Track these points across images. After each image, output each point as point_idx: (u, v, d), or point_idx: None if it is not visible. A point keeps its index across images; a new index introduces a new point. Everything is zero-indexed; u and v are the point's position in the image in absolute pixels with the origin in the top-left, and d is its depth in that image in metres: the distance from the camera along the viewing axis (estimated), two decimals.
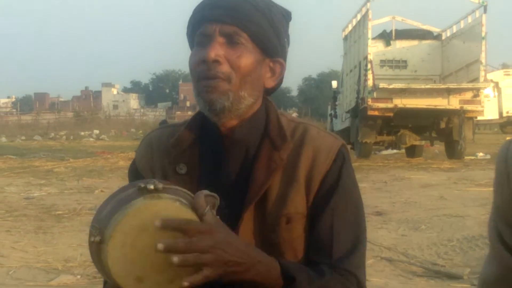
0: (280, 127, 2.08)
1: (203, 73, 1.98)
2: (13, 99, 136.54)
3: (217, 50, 1.96)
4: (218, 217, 1.82)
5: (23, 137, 42.07)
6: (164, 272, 1.72)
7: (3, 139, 39.93)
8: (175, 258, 1.67)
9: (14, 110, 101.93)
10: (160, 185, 1.74)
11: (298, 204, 2.03)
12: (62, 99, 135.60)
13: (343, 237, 2.02)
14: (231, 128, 2.06)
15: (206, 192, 1.80)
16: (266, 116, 2.11)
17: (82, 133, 46.73)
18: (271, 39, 2.04)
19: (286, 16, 2.13)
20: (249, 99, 2.03)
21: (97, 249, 1.72)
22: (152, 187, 1.72)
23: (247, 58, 1.99)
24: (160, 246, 1.67)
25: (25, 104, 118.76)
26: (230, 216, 1.98)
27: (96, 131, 47.96)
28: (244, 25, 1.98)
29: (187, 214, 1.73)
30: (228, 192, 2.04)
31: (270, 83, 2.10)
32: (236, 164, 2.08)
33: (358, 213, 2.09)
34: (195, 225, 1.74)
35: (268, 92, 2.16)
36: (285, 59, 2.12)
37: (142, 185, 1.73)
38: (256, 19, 2.00)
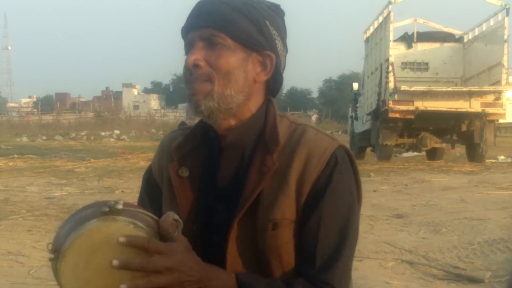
0: (274, 129, 2.05)
1: (187, 78, 2.02)
2: (34, 99, 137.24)
3: (196, 55, 1.99)
4: (183, 237, 1.81)
5: (44, 137, 42.30)
6: None
7: (25, 138, 40.16)
8: (123, 286, 1.66)
9: (35, 110, 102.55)
10: (119, 207, 1.72)
11: (285, 209, 1.99)
12: (83, 99, 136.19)
13: (326, 245, 1.97)
14: (226, 130, 2.06)
15: (173, 214, 1.79)
16: (265, 118, 2.09)
17: (103, 133, 46.93)
18: (252, 34, 2.04)
19: (275, 9, 2.12)
20: (238, 96, 2.02)
21: (54, 267, 1.73)
22: (107, 209, 1.71)
23: (227, 57, 2.00)
24: (115, 262, 1.66)
25: (46, 104, 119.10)
26: (226, 220, 1.99)
27: (117, 132, 48.16)
28: (220, 26, 2.00)
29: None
30: (225, 196, 2.06)
31: (262, 77, 2.08)
32: (231, 168, 2.08)
33: (347, 221, 2.02)
34: (156, 243, 1.72)
35: (271, 90, 2.15)
36: (275, 52, 2.09)
37: (102, 208, 1.72)
38: (232, 17, 2.01)
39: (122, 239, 1.67)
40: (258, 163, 2.02)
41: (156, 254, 1.70)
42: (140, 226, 1.73)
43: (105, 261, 1.67)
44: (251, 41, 2.04)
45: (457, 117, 19.45)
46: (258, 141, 2.06)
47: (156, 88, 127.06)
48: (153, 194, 2.22)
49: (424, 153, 22.44)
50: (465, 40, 21.72)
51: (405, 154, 23.54)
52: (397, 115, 18.89)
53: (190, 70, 1.99)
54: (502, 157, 21.66)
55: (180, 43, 2.09)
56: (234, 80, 2.01)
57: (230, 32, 2.00)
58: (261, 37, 2.06)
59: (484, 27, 20.45)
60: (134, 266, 1.68)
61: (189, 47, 2.04)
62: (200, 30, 2.00)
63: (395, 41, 20.26)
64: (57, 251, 1.71)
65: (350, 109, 27.78)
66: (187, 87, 2.03)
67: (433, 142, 20.08)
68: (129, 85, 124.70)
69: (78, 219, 1.74)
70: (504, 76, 18.71)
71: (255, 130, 2.07)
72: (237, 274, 1.91)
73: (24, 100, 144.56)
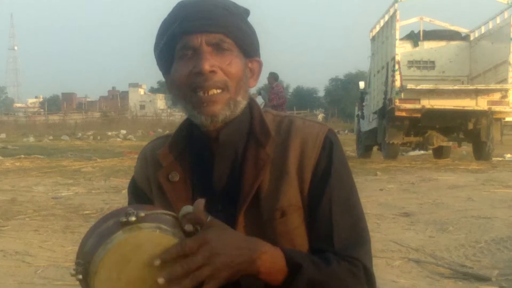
0: (263, 123, 2.08)
1: (199, 84, 1.97)
2: (41, 99, 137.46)
3: (210, 61, 1.96)
4: (216, 220, 1.82)
5: (51, 137, 42.33)
6: None
7: (31, 139, 40.21)
8: None
9: (42, 110, 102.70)
10: (141, 214, 1.71)
11: (291, 196, 2.02)
12: (89, 99, 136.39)
13: (342, 223, 2.01)
14: (217, 131, 2.05)
15: (202, 201, 1.80)
16: (250, 115, 2.11)
17: (109, 133, 46.95)
18: (251, 39, 2.07)
19: (246, 14, 2.14)
20: (243, 102, 2.05)
21: (84, 285, 1.73)
22: (131, 219, 1.70)
23: (237, 63, 2.01)
24: (161, 280, 1.66)
25: (52, 104, 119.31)
26: (226, 219, 1.96)
27: (123, 131, 48.19)
28: (228, 31, 1.99)
29: (169, 240, 1.72)
30: (222, 195, 2.07)
31: (253, 83, 2.13)
32: (226, 166, 2.09)
33: (352, 197, 2.08)
34: (187, 244, 1.71)
35: None
36: (259, 57, 2.15)
37: (122, 218, 1.71)
38: (235, 23, 2.02)
39: (157, 262, 1.67)
40: (253, 157, 2.04)
41: (192, 254, 1.71)
42: (165, 228, 1.73)
43: (137, 270, 1.69)
44: (250, 47, 2.07)
45: (464, 115, 19.39)
46: (249, 137, 2.08)
47: (162, 87, 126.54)
48: (144, 202, 2.17)
49: (430, 151, 22.40)
50: (472, 38, 21.67)
51: (412, 153, 23.50)
52: (404, 114, 18.83)
53: (205, 76, 1.96)
54: (509, 155, 21.62)
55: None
56: (242, 86, 2.04)
57: (237, 38, 2.01)
58: (257, 42, 2.11)
59: (490, 25, 20.40)
60: (178, 275, 1.69)
61: (188, 50, 2.00)
62: (208, 34, 1.98)
63: (401, 39, 20.21)
64: (86, 269, 1.72)
65: (356, 108, 27.69)
66: (199, 94, 1.99)
67: (439, 140, 20.03)
68: (135, 85, 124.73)
69: (101, 233, 1.74)
70: (511, 74, 18.65)
71: (244, 127, 2.09)
72: (284, 249, 1.91)
73: (30, 100, 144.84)
